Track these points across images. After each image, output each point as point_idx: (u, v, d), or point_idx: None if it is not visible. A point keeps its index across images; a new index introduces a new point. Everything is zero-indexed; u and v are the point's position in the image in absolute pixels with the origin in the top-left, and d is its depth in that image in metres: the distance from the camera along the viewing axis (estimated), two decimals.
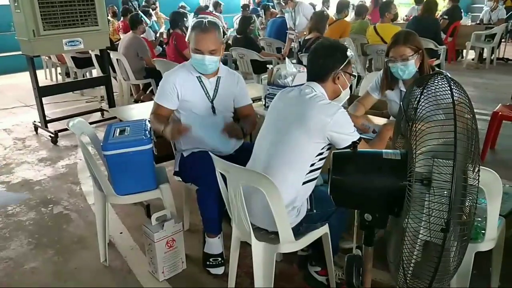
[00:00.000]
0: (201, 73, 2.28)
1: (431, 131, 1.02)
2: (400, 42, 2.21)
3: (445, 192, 0.96)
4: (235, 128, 2.29)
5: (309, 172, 1.79)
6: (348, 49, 1.88)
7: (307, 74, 1.95)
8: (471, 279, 1.75)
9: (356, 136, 1.77)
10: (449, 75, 1.04)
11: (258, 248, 1.80)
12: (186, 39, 2.31)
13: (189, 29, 2.25)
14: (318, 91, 1.84)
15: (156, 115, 2.29)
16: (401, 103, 1.16)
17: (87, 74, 6.29)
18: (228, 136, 2.29)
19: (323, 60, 1.85)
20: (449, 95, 0.97)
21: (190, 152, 2.29)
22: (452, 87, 0.99)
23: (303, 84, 1.94)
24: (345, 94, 1.94)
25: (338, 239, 2.07)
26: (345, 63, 1.84)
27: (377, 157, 1.08)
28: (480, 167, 1.50)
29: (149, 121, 2.34)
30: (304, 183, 1.79)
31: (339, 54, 1.85)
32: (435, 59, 5.24)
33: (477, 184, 0.99)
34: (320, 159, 1.80)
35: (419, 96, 1.10)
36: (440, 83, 1.05)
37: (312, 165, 1.78)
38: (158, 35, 7.08)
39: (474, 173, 0.99)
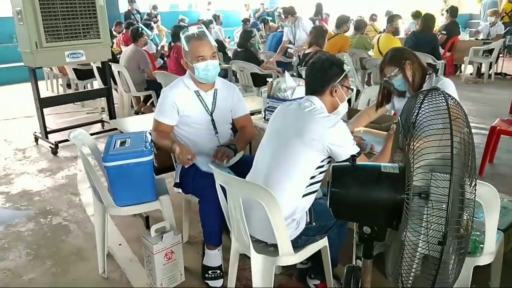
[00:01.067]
0: (198, 87, 2.29)
1: (428, 145, 1.03)
2: (385, 62, 2.35)
3: (443, 206, 0.97)
4: (223, 153, 2.21)
5: (309, 185, 1.80)
6: (345, 63, 1.92)
7: (306, 88, 1.98)
8: None
9: (355, 148, 1.78)
10: (445, 91, 1.06)
11: (257, 260, 1.80)
12: (183, 54, 2.28)
13: (184, 43, 2.24)
14: (317, 104, 1.87)
15: (158, 131, 2.30)
16: (399, 117, 1.18)
17: (88, 85, 6.34)
18: (219, 160, 2.22)
19: (321, 74, 1.89)
20: (445, 110, 0.99)
21: (191, 164, 2.29)
22: (449, 102, 1.01)
23: (302, 98, 1.96)
24: (343, 108, 1.97)
25: (337, 252, 2.07)
26: (342, 76, 1.89)
27: (375, 170, 1.09)
28: (478, 181, 1.53)
29: (150, 133, 2.35)
30: (304, 195, 1.80)
31: (336, 68, 1.89)
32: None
33: (474, 198, 1.00)
34: (320, 172, 1.81)
35: (416, 111, 1.12)
36: (437, 99, 1.07)
37: (312, 177, 1.79)
38: (159, 48, 7.15)
39: (471, 187, 1.01)
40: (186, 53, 2.25)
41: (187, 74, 2.33)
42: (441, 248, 0.90)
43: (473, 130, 3.70)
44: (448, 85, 2.32)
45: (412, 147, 1.04)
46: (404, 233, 1.05)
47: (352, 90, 1.97)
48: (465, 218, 1.00)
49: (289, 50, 6.16)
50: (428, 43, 5.47)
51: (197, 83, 2.29)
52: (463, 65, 7.57)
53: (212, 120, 2.32)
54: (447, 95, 1.05)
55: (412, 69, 2.30)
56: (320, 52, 4.24)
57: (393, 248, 1.18)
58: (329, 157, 1.80)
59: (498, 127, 3.56)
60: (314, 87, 1.91)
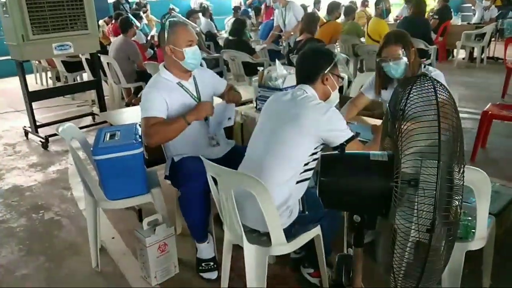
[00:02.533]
0: (179, 78, 2.24)
1: (417, 131, 1.02)
2: (392, 42, 2.25)
3: (432, 193, 0.96)
4: (232, 93, 2.33)
5: (303, 172, 1.80)
6: (334, 52, 1.92)
7: (297, 77, 1.98)
8: (462, 278, 1.76)
9: (349, 133, 1.80)
10: (432, 77, 1.05)
11: (250, 251, 1.80)
12: (167, 44, 2.18)
13: (168, 32, 2.17)
14: (310, 92, 1.88)
15: (151, 126, 2.14)
16: (387, 104, 1.17)
17: (78, 78, 6.26)
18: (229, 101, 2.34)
19: (311, 63, 1.91)
20: (433, 96, 0.98)
21: (180, 157, 2.27)
22: (437, 88, 0.99)
23: (295, 87, 1.96)
24: (335, 96, 1.98)
25: (330, 241, 2.07)
26: (331, 65, 1.90)
27: (364, 158, 1.09)
28: (469, 166, 1.53)
29: (140, 136, 2.28)
30: (297, 182, 1.81)
31: (326, 57, 1.91)
32: (425, 59, 5.28)
33: (462, 184, 1.00)
34: (314, 159, 1.82)
35: (405, 97, 1.11)
36: (425, 84, 1.06)
37: (306, 164, 1.80)
38: (149, 38, 7.06)
39: (460, 173, 1.00)
40: (173, 39, 2.17)
41: (162, 68, 2.27)
42: (430, 235, 0.90)
43: (466, 115, 3.73)
44: (439, 77, 2.26)
45: (401, 134, 1.03)
46: (395, 220, 1.04)
47: (343, 78, 1.97)
48: (454, 205, 0.99)
49: (281, 40, 6.14)
50: (421, 27, 5.43)
51: (177, 73, 2.24)
52: (455, 50, 7.56)
53: None
54: (435, 81, 1.04)
55: (414, 56, 2.26)
56: (309, 42, 4.22)
57: (384, 236, 1.17)
58: (323, 144, 1.81)
59: (490, 112, 3.56)
60: (306, 76, 1.93)
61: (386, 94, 2.45)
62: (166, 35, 2.18)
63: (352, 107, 2.52)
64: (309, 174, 1.83)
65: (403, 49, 2.22)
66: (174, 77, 2.24)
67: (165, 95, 2.17)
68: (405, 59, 2.22)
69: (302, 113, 1.78)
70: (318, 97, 1.89)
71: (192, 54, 2.19)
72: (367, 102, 2.54)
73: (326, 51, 1.96)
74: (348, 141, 1.78)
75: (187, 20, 2.27)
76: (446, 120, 0.99)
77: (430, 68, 2.38)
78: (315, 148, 1.80)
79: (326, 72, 1.89)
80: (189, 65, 2.21)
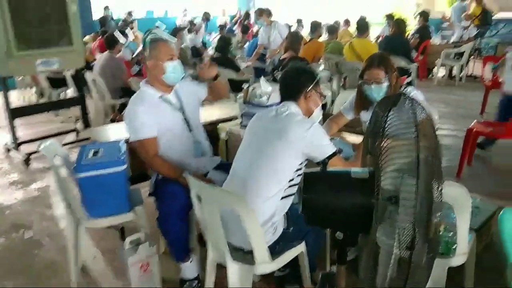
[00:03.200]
0: (162, 92, 2.24)
1: (397, 150, 1.05)
2: (374, 65, 2.25)
3: (412, 210, 0.98)
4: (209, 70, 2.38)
5: (287, 187, 1.82)
6: (315, 71, 2.00)
7: (281, 95, 2.02)
8: None
9: (332, 148, 1.84)
10: (410, 97, 1.07)
11: (234, 269, 1.79)
12: (149, 59, 2.21)
13: (149, 45, 2.19)
14: (294, 109, 1.92)
15: (157, 156, 2.18)
16: (367, 122, 1.19)
17: (62, 94, 6.19)
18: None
19: (295, 80, 1.96)
20: (412, 115, 1.01)
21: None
22: (415, 108, 1.02)
23: (279, 104, 1.99)
24: (318, 113, 2.02)
25: (315, 257, 2.06)
26: (314, 82, 1.95)
27: (345, 176, 1.10)
28: (449, 181, 1.56)
29: (122, 145, 2.29)
30: (282, 197, 1.82)
31: (308, 75, 1.97)
32: (406, 76, 5.39)
33: (441, 201, 1.02)
34: (298, 175, 1.83)
35: (385, 116, 1.13)
36: (404, 104, 1.08)
37: (291, 180, 1.82)
38: (134, 55, 7.07)
39: (438, 190, 1.02)
40: (154, 54, 2.19)
41: (144, 83, 2.27)
42: (410, 252, 0.91)
43: (446, 132, 3.80)
44: (418, 97, 2.27)
45: (381, 152, 1.05)
46: (376, 236, 1.05)
47: (325, 96, 2.01)
48: (434, 221, 1.01)
49: (267, 58, 6.24)
50: (401, 46, 5.57)
51: (159, 87, 2.24)
52: (435, 68, 7.75)
53: (185, 119, 2.28)
54: (413, 101, 1.06)
55: (395, 79, 2.28)
56: (293, 60, 4.28)
57: (366, 252, 1.18)
58: (307, 159, 1.84)
59: (474, 129, 3.62)
60: (289, 94, 1.97)
61: (366, 115, 2.44)
62: (148, 51, 2.20)
63: (332, 124, 2.53)
64: (294, 189, 1.84)
65: (385, 73, 2.22)
66: (156, 91, 2.24)
67: (151, 110, 2.17)
68: (386, 83, 2.23)
69: (287, 129, 1.81)
70: (302, 114, 1.93)
71: (173, 68, 2.21)
72: (346, 121, 2.56)
73: (308, 70, 2.02)
74: (330, 156, 1.81)
75: (169, 36, 2.27)
76: (425, 138, 1.01)
77: (409, 88, 2.39)
78: (300, 164, 1.83)
79: (308, 89, 1.94)
80: (170, 78, 2.22)
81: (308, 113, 1.97)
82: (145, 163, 2.39)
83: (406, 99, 1.07)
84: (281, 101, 2.00)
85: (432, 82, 7.57)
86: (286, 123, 1.84)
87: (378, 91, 2.24)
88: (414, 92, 2.33)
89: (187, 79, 2.50)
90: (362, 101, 2.39)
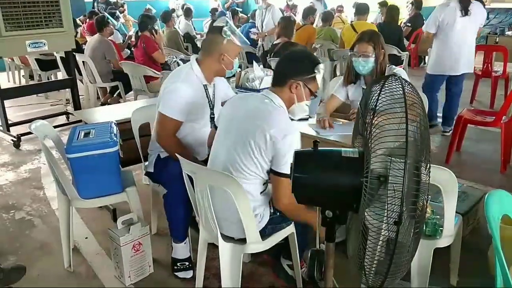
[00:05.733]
0: (207, 81, 2.22)
1: (387, 129, 1.07)
2: (365, 40, 2.41)
3: (400, 188, 1.00)
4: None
5: (264, 185, 1.83)
6: (320, 67, 1.80)
7: (272, 77, 1.94)
8: (430, 275, 1.82)
9: (287, 169, 1.49)
10: (402, 77, 1.09)
11: (225, 249, 1.81)
12: (221, 51, 2.15)
13: (226, 40, 2.14)
14: (277, 103, 1.79)
15: (175, 137, 2.18)
16: (359, 103, 1.21)
17: (52, 76, 6.13)
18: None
19: (288, 64, 1.84)
20: (401, 95, 1.02)
21: (167, 154, 2.23)
22: (405, 88, 1.04)
23: (261, 91, 1.93)
24: (299, 109, 1.86)
25: (306, 236, 2.06)
26: (309, 75, 1.79)
27: (336, 155, 1.12)
28: (437, 166, 1.59)
29: (113, 126, 2.28)
30: (261, 193, 1.83)
31: (307, 63, 1.80)
32: (398, 65, 5.42)
33: (428, 180, 1.04)
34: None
35: (376, 96, 1.15)
36: (394, 84, 1.10)
37: (265, 182, 1.83)
38: (126, 37, 6.99)
39: (426, 170, 1.05)
40: (228, 48, 2.15)
41: (195, 62, 2.20)
42: (397, 227, 0.94)
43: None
44: (402, 73, 2.45)
45: (371, 132, 1.07)
46: (364, 216, 1.08)
47: (315, 96, 1.87)
48: (421, 200, 1.04)
49: (251, 35, 6.24)
50: (393, 34, 5.57)
51: (208, 76, 2.22)
52: (427, 57, 7.77)
53: (212, 114, 2.28)
54: (404, 81, 1.08)
55: (382, 56, 2.41)
56: (286, 45, 4.28)
57: (354, 231, 1.21)
58: None
59: (464, 117, 3.67)
60: (277, 77, 1.85)
61: (354, 93, 2.59)
62: (223, 43, 2.14)
63: (327, 106, 2.63)
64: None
65: (373, 48, 2.38)
66: (204, 78, 2.21)
67: (193, 94, 2.15)
68: (373, 58, 2.38)
69: (266, 127, 1.69)
70: (285, 105, 1.81)
71: (236, 64, 2.26)
72: (338, 104, 2.65)
73: (311, 59, 1.82)
74: (280, 174, 1.69)
75: (237, 30, 2.28)
76: (414, 118, 1.03)
77: (393, 66, 2.55)
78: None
79: (297, 79, 1.77)
80: (229, 73, 2.28)
81: (289, 104, 1.82)
82: (135, 146, 2.41)
83: (396, 79, 1.08)
84: (271, 84, 1.90)
85: (423, 70, 7.59)
86: (266, 122, 1.71)
87: (364, 64, 2.41)
88: (397, 69, 2.47)
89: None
90: (350, 73, 2.55)
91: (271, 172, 1.75)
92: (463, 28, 4.02)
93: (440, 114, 4.53)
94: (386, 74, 2.36)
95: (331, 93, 2.67)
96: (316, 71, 1.79)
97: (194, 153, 2.25)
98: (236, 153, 1.76)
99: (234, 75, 2.68)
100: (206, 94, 2.24)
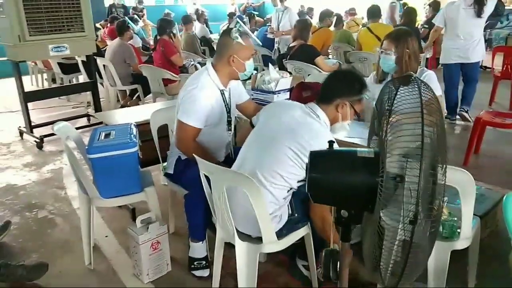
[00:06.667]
0: (223, 86, 2.24)
1: (403, 129, 1.07)
2: (389, 38, 2.46)
3: (416, 188, 1.01)
4: None
5: (289, 190, 1.86)
6: (366, 87, 1.87)
7: (319, 94, 1.93)
8: (448, 278, 1.80)
9: None
10: (419, 78, 1.10)
11: (241, 248, 1.84)
12: (232, 53, 2.17)
13: (238, 38, 2.15)
14: (323, 119, 1.85)
15: (196, 143, 2.20)
16: (374, 103, 1.22)
17: (74, 80, 6.27)
18: None
19: (338, 83, 1.89)
20: (418, 96, 1.03)
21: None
22: (421, 88, 1.05)
23: (286, 91, 1.97)
24: (341, 128, 1.92)
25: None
26: (357, 97, 1.86)
27: (351, 155, 1.13)
28: (454, 167, 1.58)
29: (133, 127, 2.33)
30: (284, 198, 1.86)
31: (357, 86, 1.85)
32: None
33: (444, 181, 1.05)
34: (300, 185, 1.84)
35: (392, 96, 1.16)
36: (411, 86, 1.11)
37: (290, 189, 1.85)
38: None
39: (442, 170, 1.05)
40: (238, 50, 2.17)
41: (211, 68, 2.23)
42: (412, 227, 0.94)
43: (455, 122, 3.83)
44: (432, 77, 2.44)
45: (387, 131, 1.08)
46: (380, 217, 1.09)
47: (359, 116, 1.93)
48: (437, 200, 1.04)
49: (267, 35, 6.30)
50: None
51: (224, 80, 2.24)
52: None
53: (229, 118, 2.31)
54: (420, 82, 1.09)
55: (408, 59, 2.40)
56: (303, 47, 4.29)
57: (369, 231, 1.22)
58: None
59: (482, 118, 3.62)
60: (325, 94, 1.89)
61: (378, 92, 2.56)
62: (232, 44, 2.17)
63: None
64: (295, 188, 1.87)
65: (395, 47, 2.38)
66: (221, 83, 2.24)
67: (211, 101, 2.18)
68: (393, 56, 2.39)
69: (305, 137, 1.75)
70: (329, 121, 1.87)
71: (250, 67, 2.24)
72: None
73: (360, 82, 1.88)
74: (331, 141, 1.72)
75: (250, 32, 2.29)
76: (430, 118, 1.04)
77: (425, 68, 2.56)
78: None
79: (345, 99, 1.84)
80: (243, 76, 2.27)
81: (332, 121, 1.89)
82: (154, 147, 2.46)
83: (415, 79, 1.09)
84: (316, 101, 1.92)
85: (441, 72, 7.50)
86: (305, 130, 1.77)
87: (384, 61, 2.45)
88: (427, 72, 2.45)
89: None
90: (378, 71, 2.59)
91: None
92: (468, 21, 4.49)
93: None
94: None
95: None
96: (362, 92, 1.85)
97: (214, 156, 2.27)
98: (269, 159, 1.80)
99: (250, 78, 2.67)
100: (223, 98, 2.26)
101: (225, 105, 2.28)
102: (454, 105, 4.76)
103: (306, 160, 1.64)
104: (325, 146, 1.64)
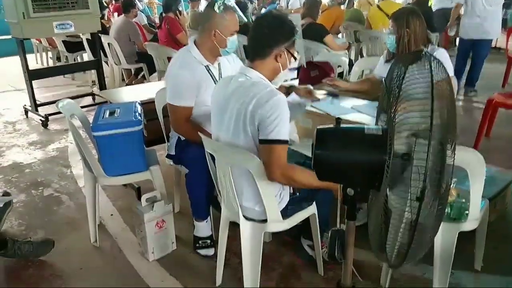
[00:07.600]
0: (208, 61, 2.17)
1: (411, 110, 1.04)
2: (392, 16, 2.49)
3: (424, 166, 0.98)
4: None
5: None
6: (295, 26, 1.72)
7: (249, 48, 1.76)
8: (454, 259, 1.78)
9: (275, 136, 1.60)
10: (430, 53, 1.05)
11: (246, 227, 1.83)
12: (213, 27, 2.08)
13: (221, 12, 2.05)
14: (254, 76, 1.70)
15: (188, 121, 2.15)
16: (383, 80, 1.18)
17: (78, 58, 6.24)
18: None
19: (269, 33, 1.68)
20: (429, 74, 0.99)
21: None
22: (432, 65, 1.00)
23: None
24: (283, 75, 1.79)
25: (328, 215, 2.03)
26: (291, 40, 1.70)
27: (359, 132, 1.10)
28: (463, 146, 1.54)
29: (138, 105, 2.30)
30: None
31: (287, 29, 1.69)
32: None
33: (453, 160, 1.01)
34: None
35: (402, 74, 1.12)
36: (421, 62, 1.06)
37: None
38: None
39: (451, 149, 1.02)
40: (220, 24, 2.07)
41: (193, 45, 2.16)
42: (419, 204, 0.92)
43: (467, 104, 3.77)
44: (443, 55, 2.39)
45: (395, 109, 1.04)
46: (387, 197, 1.06)
47: (296, 59, 1.78)
48: (445, 179, 1.01)
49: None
50: (424, 15, 5.40)
51: (208, 56, 2.17)
52: (457, 39, 7.50)
53: None
54: (431, 58, 1.04)
55: (408, 39, 2.38)
56: (311, 26, 4.21)
57: (375, 211, 1.19)
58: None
59: (495, 100, 3.53)
60: (258, 49, 1.71)
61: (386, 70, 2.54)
62: (215, 18, 2.07)
63: (366, 80, 2.75)
64: None
65: (396, 26, 2.40)
66: (204, 59, 2.16)
67: (197, 78, 2.12)
68: (393, 35, 2.41)
69: (247, 102, 1.63)
70: (266, 76, 1.71)
71: (232, 43, 2.14)
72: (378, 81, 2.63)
73: (288, 23, 1.69)
74: (275, 142, 1.59)
75: (236, 6, 2.18)
76: (441, 99, 1.00)
77: (436, 47, 2.53)
78: None
79: (281, 47, 1.68)
80: (225, 52, 2.17)
81: (274, 74, 1.73)
82: (159, 126, 2.44)
83: (426, 57, 1.04)
84: (247, 57, 1.78)
85: (454, 53, 7.36)
86: (245, 97, 1.63)
87: (388, 40, 2.48)
88: (438, 51, 2.42)
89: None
90: (388, 50, 2.59)
91: (259, 142, 1.63)
92: None
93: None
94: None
95: (373, 73, 2.76)
96: (295, 33, 1.71)
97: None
98: (232, 137, 1.73)
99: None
100: (210, 74, 2.18)
101: (214, 81, 2.17)
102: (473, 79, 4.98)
103: (257, 121, 1.60)
104: (265, 96, 1.57)
